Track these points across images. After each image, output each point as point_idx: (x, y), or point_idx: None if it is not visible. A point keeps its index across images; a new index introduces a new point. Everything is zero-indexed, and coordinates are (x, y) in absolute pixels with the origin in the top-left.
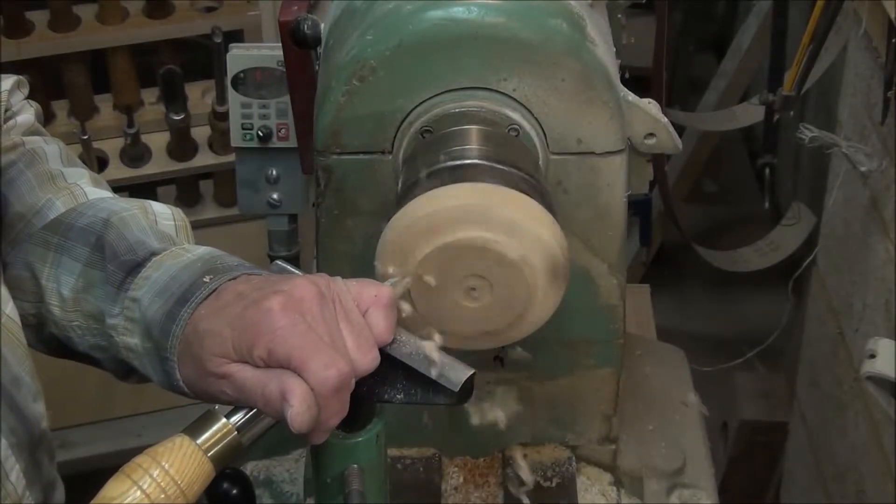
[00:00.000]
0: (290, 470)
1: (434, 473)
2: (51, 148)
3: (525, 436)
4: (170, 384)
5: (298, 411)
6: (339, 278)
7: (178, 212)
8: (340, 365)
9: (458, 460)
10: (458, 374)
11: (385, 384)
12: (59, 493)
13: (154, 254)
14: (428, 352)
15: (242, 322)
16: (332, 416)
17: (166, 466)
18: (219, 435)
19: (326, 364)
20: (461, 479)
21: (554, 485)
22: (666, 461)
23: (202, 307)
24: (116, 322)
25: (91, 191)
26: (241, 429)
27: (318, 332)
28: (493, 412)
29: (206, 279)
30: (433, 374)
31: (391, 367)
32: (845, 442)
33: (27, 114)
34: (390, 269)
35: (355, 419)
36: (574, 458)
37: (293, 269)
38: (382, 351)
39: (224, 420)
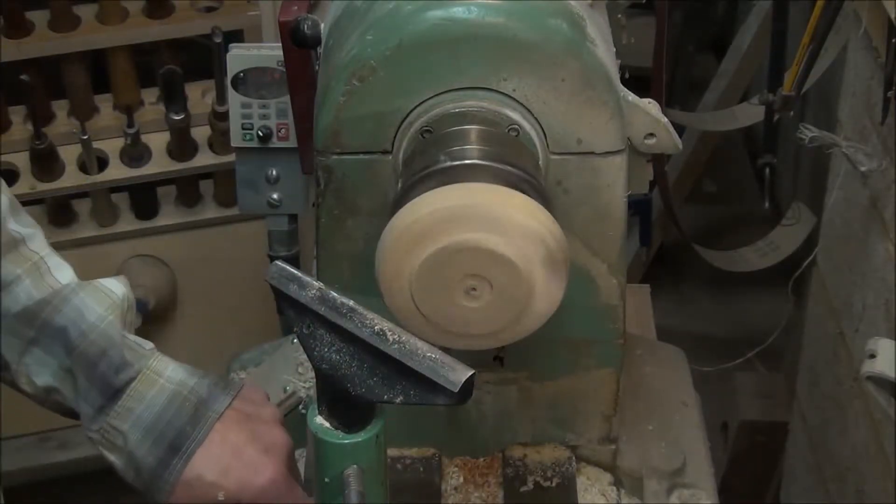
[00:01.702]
0: None
1: (434, 473)
2: (2, 200)
3: (525, 436)
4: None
5: None
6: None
7: (127, 287)
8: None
9: (458, 460)
10: (458, 374)
11: (384, 384)
12: None
13: (131, 379)
14: (427, 352)
15: (237, 479)
16: None
17: None
18: None
19: None
20: (461, 479)
21: (554, 485)
22: (666, 461)
23: (196, 455)
24: (95, 436)
25: (55, 263)
26: None
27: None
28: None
29: (189, 428)
30: (432, 374)
31: (390, 367)
32: (845, 442)
33: None
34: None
35: (355, 419)
36: (574, 458)
37: (293, 271)
38: (382, 351)
39: None
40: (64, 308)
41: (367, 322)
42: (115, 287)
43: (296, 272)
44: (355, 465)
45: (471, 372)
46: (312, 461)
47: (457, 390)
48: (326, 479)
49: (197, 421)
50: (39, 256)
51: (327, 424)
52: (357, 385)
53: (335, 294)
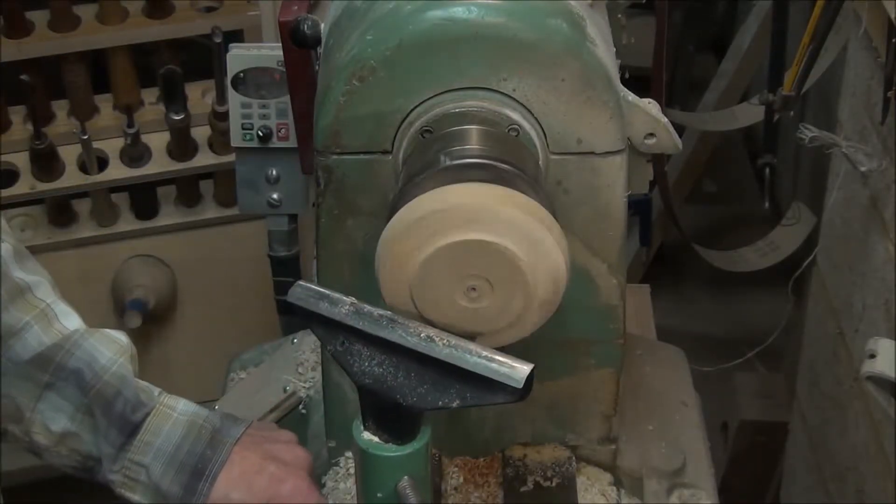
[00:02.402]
0: None
1: (434, 473)
2: (4, 248)
3: (525, 436)
4: None
5: None
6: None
7: (128, 340)
8: None
9: (458, 460)
10: (518, 370)
11: (437, 391)
12: None
13: (147, 415)
14: (480, 352)
15: (263, 492)
16: None
17: None
18: None
19: None
20: (461, 479)
21: (554, 485)
22: (666, 461)
23: (220, 477)
24: (116, 478)
25: (61, 311)
26: None
27: None
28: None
29: (209, 452)
30: (491, 374)
31: (442, 372)
32: (845, 442)
33: None
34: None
35: (406, 430)
36: (574, 458)
37: (320, 289)
38: (432, 357)
39: None
40: (76, 352)
41: (412, 329)
42: (120, 336)
43: (323, 290)
44: (406, 476)
45: (530, 366)
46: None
47: (521, 386)
48: (379, 494)
49: (216, 446)
50: (46, 304)
51: (376, 439)
52: (407, 395)
53: (369, 306)
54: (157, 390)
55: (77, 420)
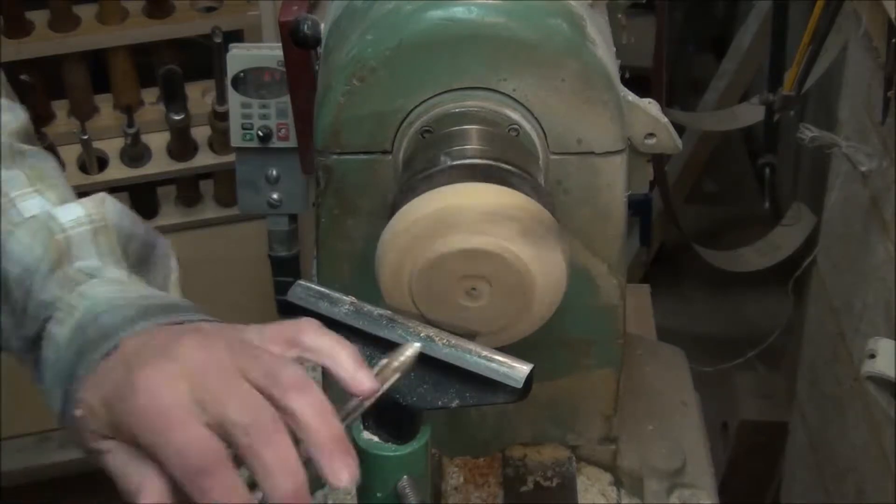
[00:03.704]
0: None
1: (434, 473)
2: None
3: (525, 436)
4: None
5: None
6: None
7: (97, 207)
8: (200, 445)
9: (458, 460)
10: (518, 370)
11: (437, 390)
12: None
13: (47, 319)
14: (480, 351)
15: (112, 397)
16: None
17: None
18: None
19: (183, 446)
20: (461, 479)
21: (554, 485)
22: (666, 461)
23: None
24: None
25: (22, 199)
26: None
27: (189, 401)
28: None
29: (75, 358)
30: (491, 373)
31: (441, 372)
32: (845, 442)
33: None
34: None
35: (405, 430)
36: (574, 458)
37: (320, 288)
38: (431, 356)
39: None
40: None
41: (412, 329)
42: (67, 209)
43: (323, 289)
44: (406, 476)
45: (530, 366)
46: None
47: (521, 386)
48: (379, 494)
49: (88, 353)
50: (9, 198)
51: (376, 438)
52: (407, 395)
53: (369, 306)
54: (91, 278)
55: (13, 338)
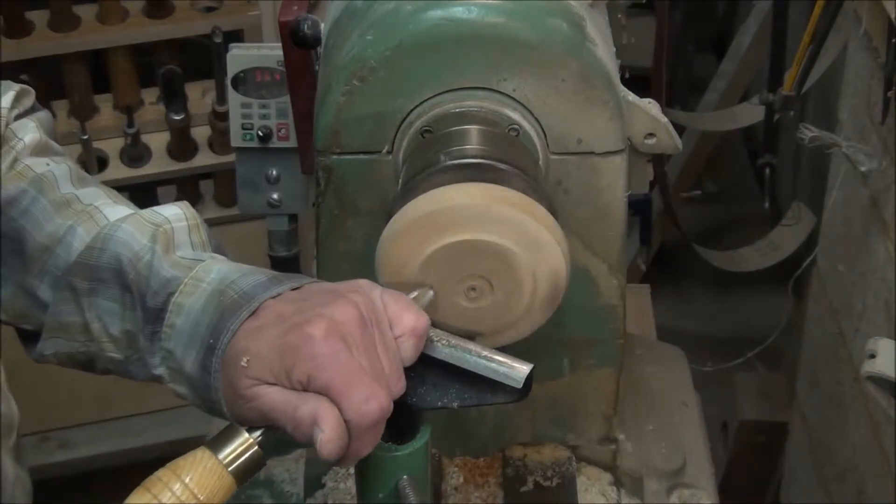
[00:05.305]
0: (290, 470)
1: (434, 473)
2: (60, 169)
3: (525, 436)
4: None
5: (329, 437)
6: (376, 293)
7: (189, 209)
8: (381, 398)
9: (458, 460)
10: (518, 369)
11: (437, 391)
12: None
13: (171, 293)
14: (480, 351)
15: (282, 345)
16: (365, 447)
17: (187, 481)
18: (240, 449)
19: (367, 397)
20: (461, 479)
21: (554, 485)
22: (666, 461)
23: (240, 331)
24: (162, 373)
25: (110, 212)
26: (262, 444)
27: (359, 362)
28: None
29: (221, 321)
30: (491, 374)
31: (441, 372)
32: (845, 442)
33: (32, 133)
34: (409, 277)
35: (405, 430)
36: (574, 458)
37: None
38: (432, 357)
39: (246, 435)
40: (109, 245)
41: None
42: (164, 211)
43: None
44: (406, 476)
45: (530, 366)
46: (358, 476)
47: (521, 386)
48: (379, 494)
49: (235, 311)
50: (94, 206)
51: None
52: (407, 395)
53: None
54: (201, 261)
55: (125, 318)
